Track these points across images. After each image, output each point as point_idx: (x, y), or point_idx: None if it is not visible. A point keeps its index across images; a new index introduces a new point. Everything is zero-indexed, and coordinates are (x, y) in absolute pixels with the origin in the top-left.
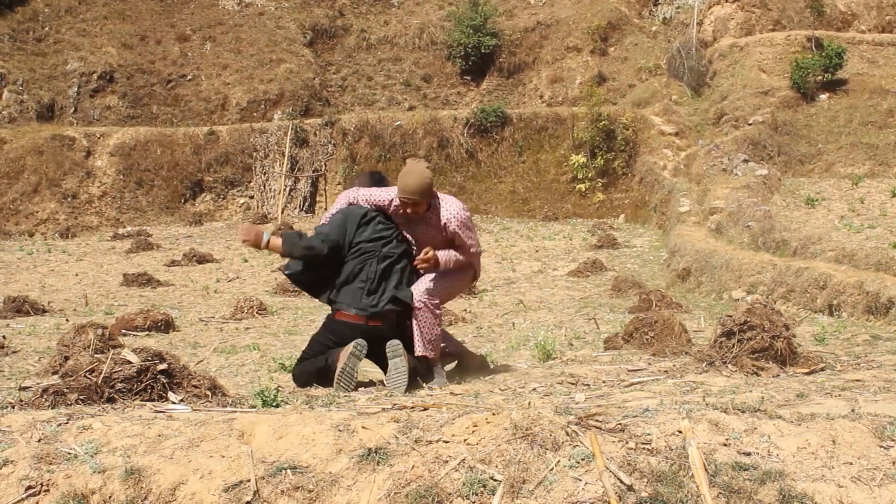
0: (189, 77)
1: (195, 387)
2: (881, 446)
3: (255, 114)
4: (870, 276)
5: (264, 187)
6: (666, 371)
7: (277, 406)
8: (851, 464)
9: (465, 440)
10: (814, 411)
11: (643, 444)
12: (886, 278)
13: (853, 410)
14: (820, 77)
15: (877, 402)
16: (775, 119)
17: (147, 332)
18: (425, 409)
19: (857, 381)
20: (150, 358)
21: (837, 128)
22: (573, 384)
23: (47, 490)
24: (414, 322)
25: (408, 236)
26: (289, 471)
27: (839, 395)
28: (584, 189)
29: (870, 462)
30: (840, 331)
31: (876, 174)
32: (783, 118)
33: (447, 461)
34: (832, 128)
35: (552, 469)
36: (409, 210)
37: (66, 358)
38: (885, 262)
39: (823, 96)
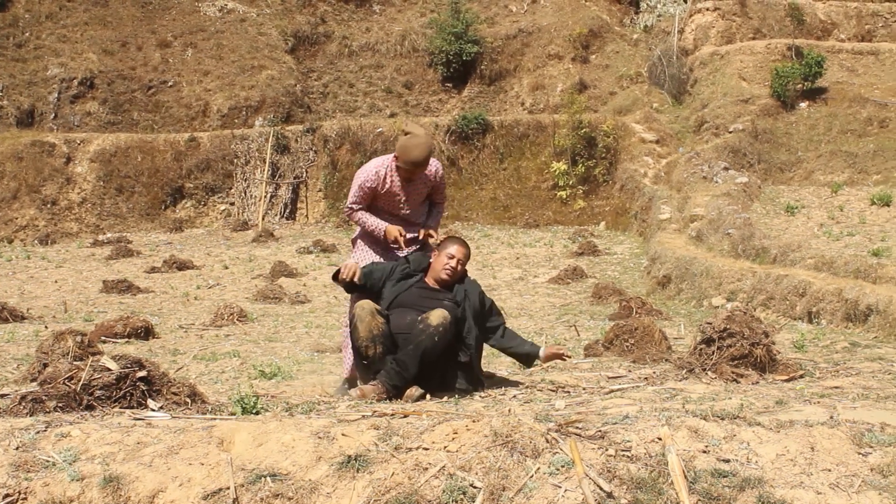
0: (170, 83)
1: (175, 394)
2: (859, 453)
3: (236, 120)
4: (849, 284)
5: (245, 194)
6: (646, 378)
7: (257, 413)
8: (830, 470)
9: (446, 447)
10: (793, 418)
11: (623, 451)
12: (865, 286)
13: (832, 417)
14: (800, 85)
15: (855, 409)
16: (755, 127)
17: (127, 339)
18: (405, 416)
19: (836, 388)
20: (129, 365)
21: (817, 136)
22: (553, 391)
23: (25, 498)
24: None
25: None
26: (268, 478)
27: (818, 402)
28: (564, 196)
29: (848, 469)
30: (819, 338)
31: (855, 182)
32: (763, 126)
33: (427, 468)
34: (812, 136)
35: (532, 476)
36: (410, 175)
37: (45, 365)
38: (864, 269)
39: (803, 104)
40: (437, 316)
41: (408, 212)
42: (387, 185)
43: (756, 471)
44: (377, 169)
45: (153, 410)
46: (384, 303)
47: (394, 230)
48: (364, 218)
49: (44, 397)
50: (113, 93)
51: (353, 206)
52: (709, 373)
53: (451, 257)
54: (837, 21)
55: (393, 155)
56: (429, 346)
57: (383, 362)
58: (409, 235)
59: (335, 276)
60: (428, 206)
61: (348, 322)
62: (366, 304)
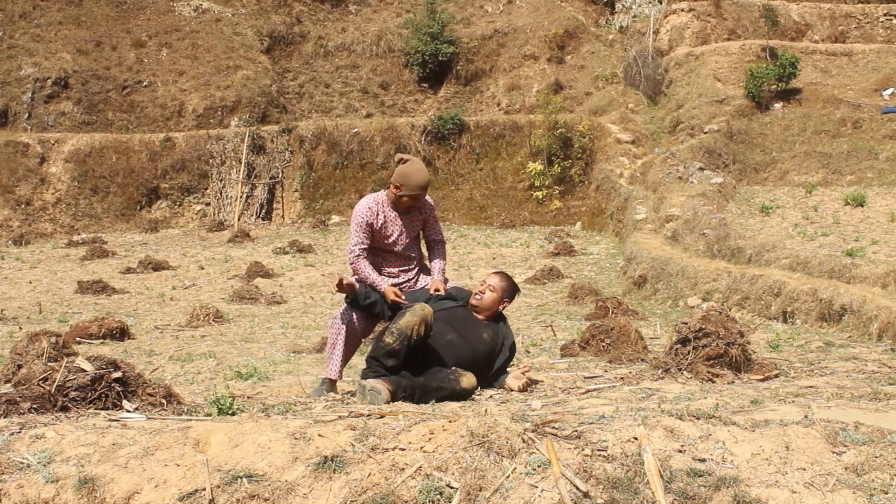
0: (145, 83)
1: (150, 395)
2: (834, 452)
3: (211, 120)
4: (823, 284)
5: (221, 194)
6: (622, 378)
7: (233, 414)
8: (805, 470)
9: (422, 448)
10: (768, 418)
11: (599, 450)
12: (839, 286)
13: (806, 417)
14: (774, 86)
15: (830, 409)
16: (730, 127)
17: (102, 340)
18: (381, 417)
19: (811, 387)
20: (104, 366)
21: (791, 136)
22: (529, 391)
23: None
24: None
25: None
26: (244, 479)
27: (793, 402)
28: (541, 196)
29: (823, 468)
30: (794, 338)
31: (829, 182)
32: (738, 127)
33: (403, 469)
34: (786, 136)
35: (508, 476)
36: (413, 202)
37: (20, 366)
38: (839, 269)
39: (778, 105)
40: (469, 381)
41: (400, 247)
42: (381, 220)
43: (731, 470)
44: (369, 205)
45: (128, 412)
46: None
47: (391, 293)
48: (365, 271)
49: (18, 399)
50: (87, 93)
51: (356, 247)
52: (684, 372)
53: (483, 283)
54: (811, 22)
55: (383, 192)
56: (447, 397)
57: (386, 358)
58: (403, 277)
59: (352, 300)
60: (424, 244)
61: (344, 320)
62: (428, 312)
